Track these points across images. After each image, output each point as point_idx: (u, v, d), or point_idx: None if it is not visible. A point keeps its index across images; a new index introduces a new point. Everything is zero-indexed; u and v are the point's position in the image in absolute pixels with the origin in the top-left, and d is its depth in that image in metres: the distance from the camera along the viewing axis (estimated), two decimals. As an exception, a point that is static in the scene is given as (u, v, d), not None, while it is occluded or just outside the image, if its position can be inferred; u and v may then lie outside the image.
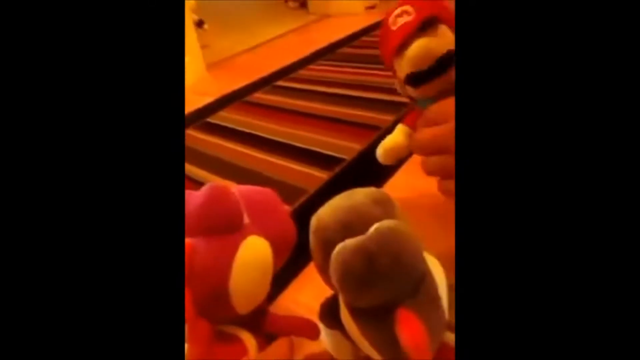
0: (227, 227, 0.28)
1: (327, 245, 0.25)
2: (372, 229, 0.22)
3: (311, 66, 1.23)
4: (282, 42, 1.57)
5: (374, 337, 0.23)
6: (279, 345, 0.32)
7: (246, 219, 0.29)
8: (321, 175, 0.69)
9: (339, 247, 0.22)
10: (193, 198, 0.28)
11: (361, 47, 1.34)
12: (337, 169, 0.70)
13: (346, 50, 1.33)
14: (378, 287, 0.22)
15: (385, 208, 0.24)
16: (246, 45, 1.56)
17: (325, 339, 0.32)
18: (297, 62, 1.28)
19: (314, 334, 0.33)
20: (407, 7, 0.44)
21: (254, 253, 0.28)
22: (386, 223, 0.22)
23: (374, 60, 1.18)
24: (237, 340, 0.29)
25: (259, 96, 1.08)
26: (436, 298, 0.24)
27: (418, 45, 0.42)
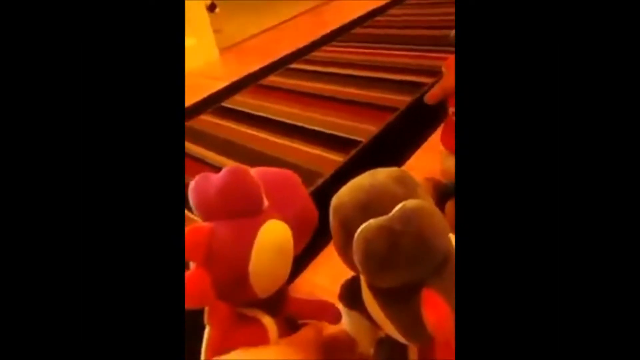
0: (247, 211, 0.27)
1: (348, 226, 0.24)
2: (396, 208, 0.22)
3: (325, 48, 1.21)
4: (294, 24, 1.55)
5: (398, 318, 0.23)
6: (307, 331, 0.31)
7: (266, 202, 0.29)
8: (337, 158, 0.69)
9: (362, 226, 0.22)
10: (212, 181, 0.28)
11: (375, 27, 1.31)
12: (353, 152, 0.69)
13: (360, 30, 1.30)
14: (402, 267, 0.21)
15: (408, 187, 0.24)
16: (259, 28, 1.54)
17: (345, 319, 0.32)
18: (310, 44, 1.26)
19: (334, 318, 0.33)
20: None
21: (274, 236, 0.28)
22: (410, 203, 0.22)
23: (389, 40, 1.15)
24: (258, 323, 0.29)
25: (273, 79, 1.07)
26: None
27: None
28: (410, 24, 1.26)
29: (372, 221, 0.22)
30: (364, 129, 0.75)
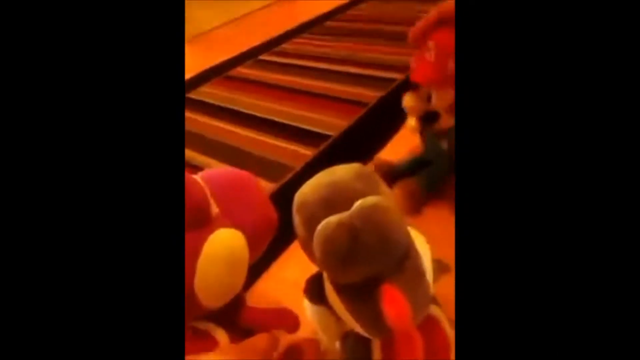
0: (192, 222, 0.26)
1: (311, 222, 0.24)
2: (355, 205, 0.22)
3: (296, 40, 1.20)
4: (265, 15, 1.52)
5: (359, 313, 0.23)
6: (257, 340, 0.30)
7: (215, 210, 0.28)
8: (307, 152, 0.68)
9: (322, 223, 0.22)
10: None
11: (347, 20, 1.31)
12: (323, 146, 0.69)
13: (331, 23, 1.30)
14: (362, 263, 0.22)
15: (368, 183, 0.24)
16: (227, 17, 1.51)
17: (310, 314, 0.32)
18: (281, 35, 1.24)
19: (292, 327, 0.32)
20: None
21: (222, 247, 0.27)
22: (370, 199, 0.22)
23: (360, 34, 1.16)
24: (209, 336, 0.29)
25: (242, 71, 1.05)
26: (421, 272, 0.24)
27: None
28: (382, 19, 1.26)
29: (331, 218, 0.22)
30: (334, 123, 0.75)
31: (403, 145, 0.64)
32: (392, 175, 0.54)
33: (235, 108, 0.86)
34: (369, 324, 0.23)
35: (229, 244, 0.27)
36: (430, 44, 0.44)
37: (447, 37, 0.43)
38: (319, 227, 0.22)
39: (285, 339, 0.33)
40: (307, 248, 0.26)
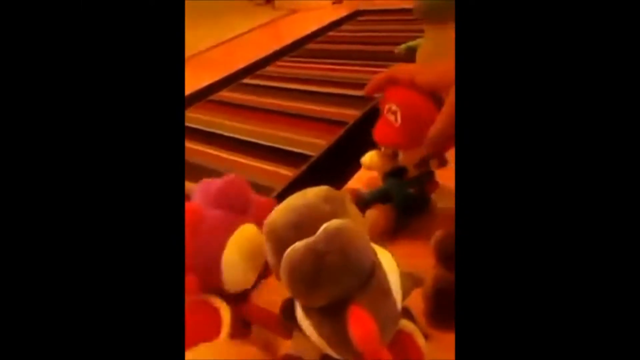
0: (234, 207, 0.32)
1: (281, 247, 0.25)
2: (320, 229, 0.22)
3: (278, 62, 1.22)
4: (248, 39, 1.55)
5: (329, 335, 0.23)
6: (254, 341, 0.34)
7: (252, 208, 0.33)
8: (287, 173, 0.69)
9: (288, 250, 0.22)
10: (215, 182, 0.33)
11: (328, 42, 1.34)
12: (303, 167, 0.70)
13: (313, 46, 1.33)
14: (327, 285, 0.22)
15: (335, 205, 0.25)
16: (211, 42, 1.53)
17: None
18: (263, 58, 1.26)
19: (286, 334, 0.33)
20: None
21: (249, 238, 0.31)
22: (335, 222, 0.22)
23: (341, 56, 1.18)
24: (215, 309, 0.32)
25: (225, 94, 1.06)
26: (386, 290, 0.24)
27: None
28: (362, 40, 1.30)
29: (298, 243, 0.22)
30: (315, 144, 0.76)
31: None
32: (363, 203, 0.53)
33: (217, 131, 0.87)
34: (339, 346, 0.23)
35: (255, 238, 0.31)
36: (394, 106, 0.41)
37: (414, 101, 0.40)
38: (286, 253, 0.22)
39: (284, 345, 0.35)
40: (277, 273, 0.26)
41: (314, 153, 0.73)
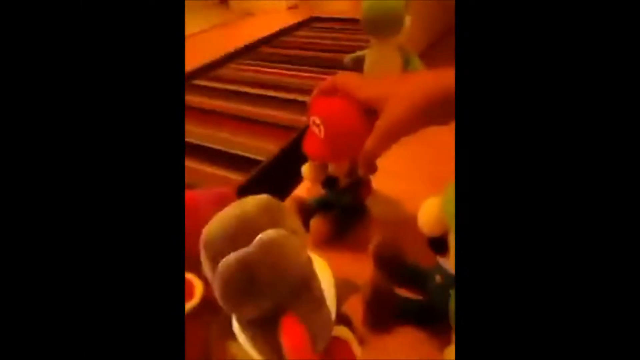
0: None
1: (216, 259, 0.25)
2: (254, 240, 0.22)
3: (230, 65, 1.21)
4: (201, 39, 1.51)
5: (262, 346, 0.24)
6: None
7: None
8: (239, 178, 0.68)
9: (221, 262, 0.22)
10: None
11: (282, 47, 1.34)
12: (254, 172, 0.70)
13: (266, 49, 1.32)
14: (259, 298, 0.22)
15: (273, 216, 0.25)
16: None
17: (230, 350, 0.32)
18: (215, 60, 1.24)
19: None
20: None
21: None
22: (268, 233, 0.23)
23: (293, 61, 1.19)
24: (188, 284, 0.33)
25: (175, 96, 1.03)
26: (320, 299, 0.25)
27: None
28: (316, 47, 1.31)
29: (230, 255, 0.22)
30: (266, 148, 0.76)
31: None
32: (307, 212, 0.53)
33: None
34: (269, 356, 0.24)
35: None
36: (317, 119, 0.40)
37: (337, 114, 0.40)
38: (219, 265, 0.22)
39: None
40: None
41: (264, 158, 0.73)
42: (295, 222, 0.27)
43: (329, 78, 0.42)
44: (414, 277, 0.41)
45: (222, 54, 1.28)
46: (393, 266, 0.42)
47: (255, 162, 0.72)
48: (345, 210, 0.53)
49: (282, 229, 0.23)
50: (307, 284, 0.24)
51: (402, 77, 0.43)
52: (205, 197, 0.39)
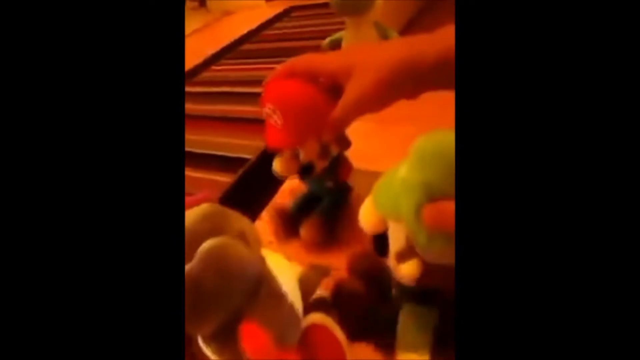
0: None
1: None
2: (196, 254, 0.22)
3: (214, 67, 1.20)
4: (187, 43, 1.50)
5: (226, 356, 0.23)
6: None
7: None
8: (226, 179, 0.68)
9: None
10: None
11: (264, 41, 1.32)
12: (241, 171, 0.69)
13: (249, 46, 1.31)
14: (211, 311, 0.22)
15: (214, 223, 0.24)
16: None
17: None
18: (198, 65, 1.23)
19: None
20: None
21: None
22: (207, 244, 0.22)
23: (275, 54, 1.17)
24: None
25: (160, 106, 1.03)
26: (277, 296, 0.24)
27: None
28: (296, 36, 1.29)
29: None
30: (253, 146, 0.75)
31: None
32: (290, 218, 0.51)
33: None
34: None
35: None
36: (270, 107, 0.37)
37: (290, 94, 0.37)
38: None
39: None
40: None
41: (251, 156, 0.72)
42: (241, 223, 0.26)
43: (285, 62, 0.39)
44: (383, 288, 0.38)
45: (204, 57, 1.27)
46: (367, 278, 0.39)
47: (240, 161, 0.72)
48: (329, 199, 0.51)
49: (225, 235, 0.22)
50: (260, 284, 0.23)
51: (368, 46, 0.39)
52: (188, 203, 0.38)
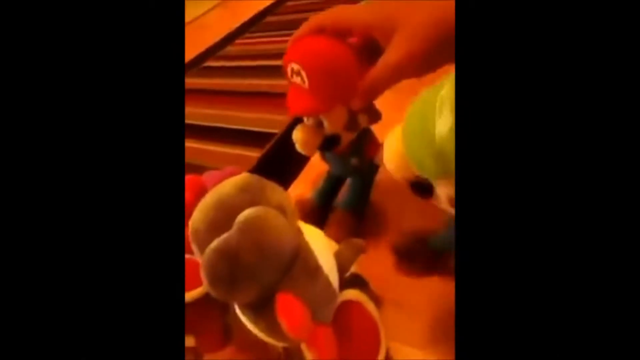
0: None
1: (203, 248, 0.24)
2: (234, 224, 0.21)
3: (238, 41, 1.18)
4: (202, 23, 1.49)
5: (263, 327, 0.23)
6: None
7: None
8: (252, 154, 0.67)
9: (205, 251, 0.21)
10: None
11: (287, 13, 1.29)
12: (268, 145, 0.68)
13: (271, 19, 1.28)
14: (247, 283, 0.21)
15: (252, 194, 0.23)
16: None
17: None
18: (223, 39, 1.22)
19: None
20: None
21: None
22: (244, 214, 0.21)
23: (299, 25, 1.14)
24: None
25: (187, 81, 1.03)
26: (314, 270, 0.23)
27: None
28: (320, 6, 1.25)
29: (212, 244, 0.21)
30: (279, 120, 0.74)
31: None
32: (313, 210, 0.48)
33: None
34: (274, 336, 0.23)
35: None
36: (295, 65, 0.33)
37: (318, 51, 0.33)
38: (203, 256, 0.21)
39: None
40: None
41: (277, 130, 0.71)
42: (278, 194, 0.25)
43: (313, 17, 0.35)
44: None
45: (229, 31, 1.25)
46: (415, 253, 0.40)
47: (267, 135, 0.71)
48: (355, 180, 0.48)
49: (262, 207, 0.22)
50: (297, 257, 0.23)
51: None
52: (213, 178, 0.38)
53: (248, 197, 0.23)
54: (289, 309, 0.21)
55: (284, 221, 0.22)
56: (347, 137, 0.40)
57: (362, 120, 0.38)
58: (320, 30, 0.33)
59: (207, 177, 0.38)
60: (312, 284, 0.23)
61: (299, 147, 0.40)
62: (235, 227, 0.21)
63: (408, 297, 0.37)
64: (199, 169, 0.68)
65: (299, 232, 0.24)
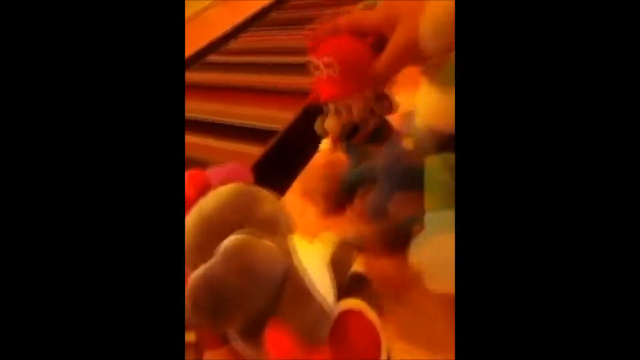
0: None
1: (191, 267, 0.23)
2: (219, 249, 0.20)
3: (241, 36, 1.17)
4: (204, 19, 1.48)
5: (251, 354, 0.22)
6: None
7: None
8: (254, 152, 0.67)
9: (190, 277, 0.20)
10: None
11: (291, 9, 1.28)
12: (271, 142, 0.68)
13: (275, 15, 1.27)
14: (232, 312, 0.21)
15: (239, 212, 0.22)
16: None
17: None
18: (226, 34, 1.21)
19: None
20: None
21: None
22: (230, 241, 0.20)
23: (305, 23, 1.13)
24: None
25: (188, 75, 1.02)
26: (304, 292, 0.23)
27: None
28: (324, 3, 1.24)
29: (197, 270, 0.20)
30: (281, 117, 0.73)
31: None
32: (338, 195, 0.50)
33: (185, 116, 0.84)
34: (264, 357, 0.22)
35: None
36: (327, 59, 0.39)
37: (346, 47, 0.39)
38: (189, 280, 0.20)
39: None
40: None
41: (280, 127, 0.71)
42: (270, 206, 0.24)
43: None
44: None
45: (231, 26, 1.24)
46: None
47: (269, 132, 0.70)
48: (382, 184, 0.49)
49: (247, 232, 0.21)
50: (285, 282, 0.22)
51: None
52: (217, 174, 0.37)
53: (236, 217, 0.22)
54: (277, 339, 0.21)
55: (269, 246, 0.21)
56: (369, 124, 0.46)
57: (379, 108, 0.44)
58: (337, 32, 0.40)
59: (211, 173, 0.38)
60: (302, 309, 0.22)
61: (322, 133, 0.47)
62: (220, 254, 0.20)
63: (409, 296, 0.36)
64: (202, 164, 0.68)
65: (288, 253, 0.23)
